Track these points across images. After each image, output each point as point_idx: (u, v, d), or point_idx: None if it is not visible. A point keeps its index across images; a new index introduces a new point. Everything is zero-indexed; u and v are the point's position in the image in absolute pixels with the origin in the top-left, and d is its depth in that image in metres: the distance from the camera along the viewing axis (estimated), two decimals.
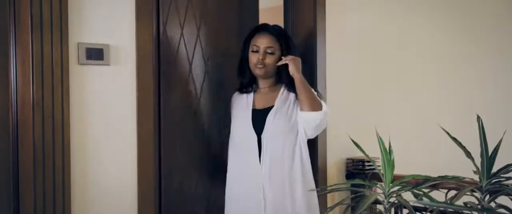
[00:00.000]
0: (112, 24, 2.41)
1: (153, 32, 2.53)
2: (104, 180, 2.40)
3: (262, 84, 2.66)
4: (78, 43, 2.32)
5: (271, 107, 2.57)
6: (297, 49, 2.67)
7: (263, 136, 2.51)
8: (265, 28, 2.63)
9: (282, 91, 2.62)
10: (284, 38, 2.60)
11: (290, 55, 2.57)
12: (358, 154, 3.14)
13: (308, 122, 2.49)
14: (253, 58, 2.56)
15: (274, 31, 2.61)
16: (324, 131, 2.98)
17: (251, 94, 2.64)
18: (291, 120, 2.54)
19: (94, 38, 2.36)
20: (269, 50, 2.55)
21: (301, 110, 2.50)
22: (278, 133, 2.52)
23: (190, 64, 2.77)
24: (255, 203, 2.46)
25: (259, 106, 2.60)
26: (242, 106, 2.62)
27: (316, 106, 2.46)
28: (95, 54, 2.36)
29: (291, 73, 2.52)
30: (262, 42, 2.56)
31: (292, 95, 2.59)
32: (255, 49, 2.56)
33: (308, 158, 2.57)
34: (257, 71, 2.57)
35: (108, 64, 2.40)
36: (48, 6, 2.22)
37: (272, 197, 2.44)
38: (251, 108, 2.59)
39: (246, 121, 2.56)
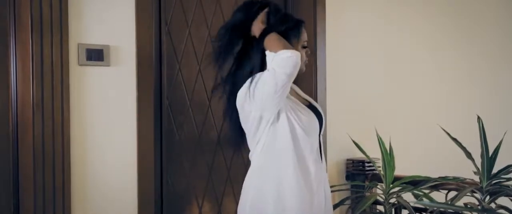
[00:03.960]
0: (112, 25, 2.41)
1: (153, 32, 2.53)
2: (104, 180, 2.40)
3: None
4: (78, 44, 2.32)
5: (309, 104, 2.31)
6: None
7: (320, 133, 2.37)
8: None
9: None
10: None
11: None
12: (358, 155, 3.13)
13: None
14: (304, 54, 2.22)
15: None
16: (324, 131, 2.98)
17: None
18: None
19: (94, 39, 2.36)
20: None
21: None
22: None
23: (199, 64, 2.77)
24: (318, 201, 2.27)
25: (301, 102, 2.28)
26: (294, 100, 2.24)
27: None
28: (95, 55, 2.35)
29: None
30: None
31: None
32: (306, 45, 2.23)
33: None
34: (303, 70, 2.23)
35: (108, 65, 2.40)
36: (48, 7, 2.22)
37: (329, 193, 2.31)
38: (300, 102, 2.26)
39: (313, 117, 2.24)
